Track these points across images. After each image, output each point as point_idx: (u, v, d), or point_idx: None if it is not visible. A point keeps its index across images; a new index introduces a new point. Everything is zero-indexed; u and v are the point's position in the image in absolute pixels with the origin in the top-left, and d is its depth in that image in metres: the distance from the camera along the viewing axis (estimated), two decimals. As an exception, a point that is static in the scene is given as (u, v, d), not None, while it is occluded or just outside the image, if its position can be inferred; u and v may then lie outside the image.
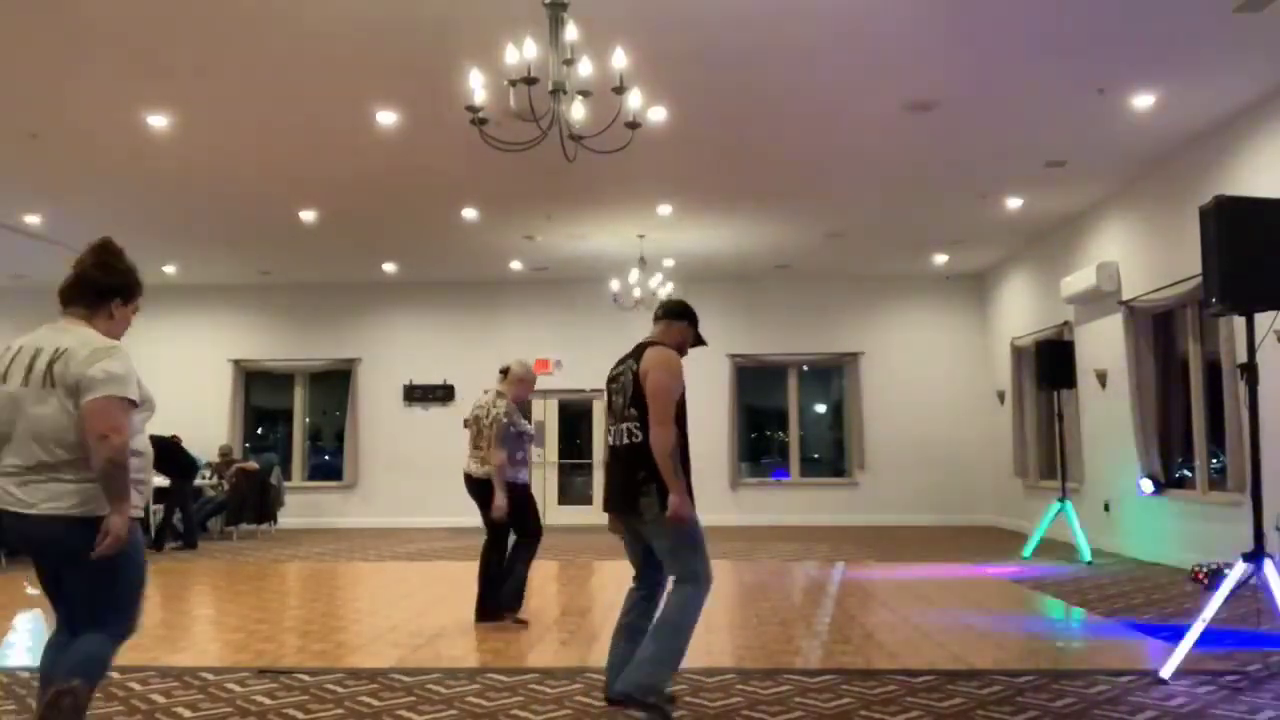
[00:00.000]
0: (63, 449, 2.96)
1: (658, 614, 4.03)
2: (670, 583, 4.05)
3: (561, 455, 14.78)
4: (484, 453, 6.14)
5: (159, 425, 13.60)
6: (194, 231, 11.56)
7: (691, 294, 13.91)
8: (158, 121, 7.78)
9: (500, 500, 6.00)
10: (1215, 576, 7.11)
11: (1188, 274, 8.05)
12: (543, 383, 14.51)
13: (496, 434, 6.06)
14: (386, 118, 7.75)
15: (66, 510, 2.96)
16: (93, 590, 3.06)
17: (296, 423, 15.24)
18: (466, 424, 6.59)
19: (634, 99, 5.14)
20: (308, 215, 10.63)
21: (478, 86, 4.96)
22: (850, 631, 5.84)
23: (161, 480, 11.28)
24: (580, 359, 14.43)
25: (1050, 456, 11.50)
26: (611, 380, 4.20)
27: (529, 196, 10.12)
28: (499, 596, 6.14)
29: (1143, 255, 9.46)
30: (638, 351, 4.13)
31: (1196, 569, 7.73)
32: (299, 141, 8.40)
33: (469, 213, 10.68)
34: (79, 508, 2.96)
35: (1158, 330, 9.56)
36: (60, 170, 9.14)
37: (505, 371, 6.42)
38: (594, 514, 14.48)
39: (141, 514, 3.12)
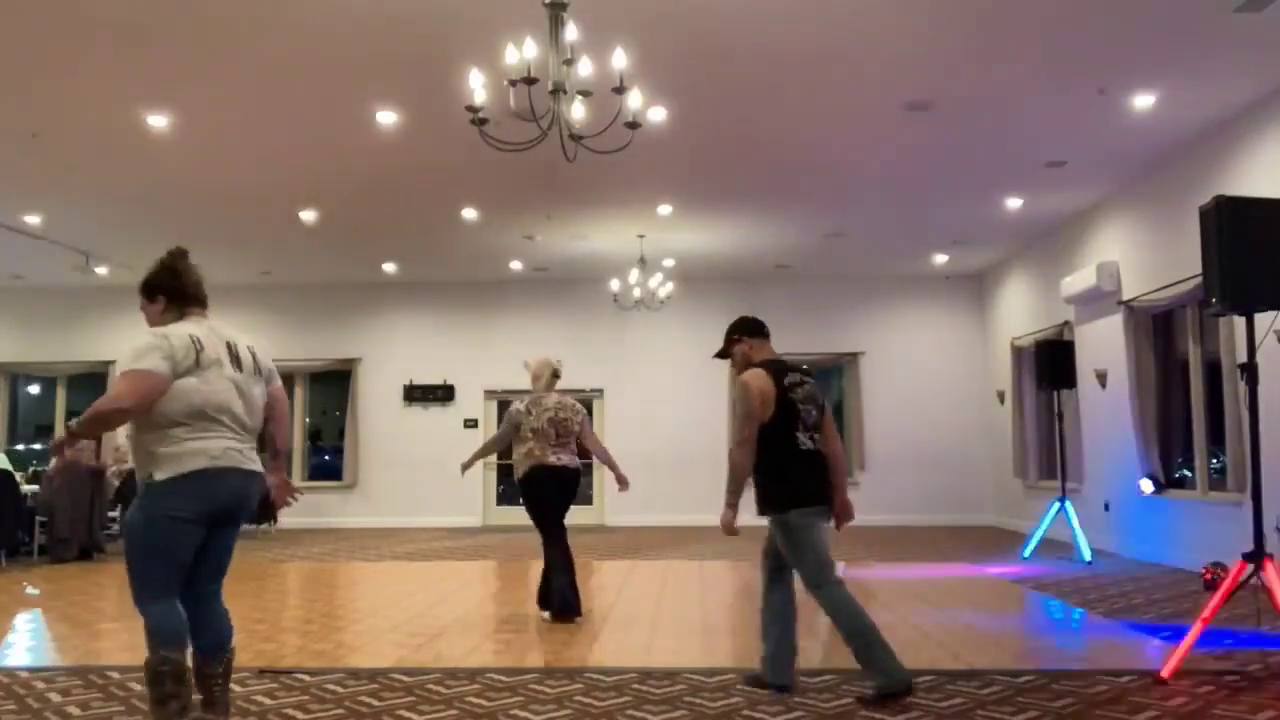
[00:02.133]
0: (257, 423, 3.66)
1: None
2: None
3: (561, 455, 14.74)
4: (569, 446, 6.44)
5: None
6: (194, 231, 11.54)
7: (691, 294, 14.15)
8: (158, 121, 7.78)
9: (621, 474, 6.59)
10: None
11: (1188, 274, 8.05)
12: (543, 383, 14.63)
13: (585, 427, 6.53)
14: (386, 118, 7.74)
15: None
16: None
17: (297, 423, 15.22)
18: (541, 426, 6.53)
19: (634, 99, 5.13)
20: (308, 215, 10.62)
21: (478, 86, 4.96)
22: (850, 631, 5.84)
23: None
24: (580, 359, 14.40)
25: (1050, 456, 11.50)
26: (798, 388, 4.45)
27: (529, 196, 10.12)
28: (551, 604, 6.34)
29: (1143, 255, 9.46)
30: (808, 371, 4.62)
31: (1211, 570, 7.54)
32: (299, 141, 8.40)
33: (469, 213, 10.68)
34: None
35: (1158, 330, 9.56)
36: (60, 170, 9.14)
37: (557, 375, 6.63)
38: (594, 514, 14.52)
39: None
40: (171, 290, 3.59)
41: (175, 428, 3.36)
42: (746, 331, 4.72)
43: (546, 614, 6.34)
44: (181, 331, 3.45)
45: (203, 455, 3.37)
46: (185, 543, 3.40)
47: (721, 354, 4.81)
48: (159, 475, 3.35)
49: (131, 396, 3.29)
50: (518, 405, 6.47)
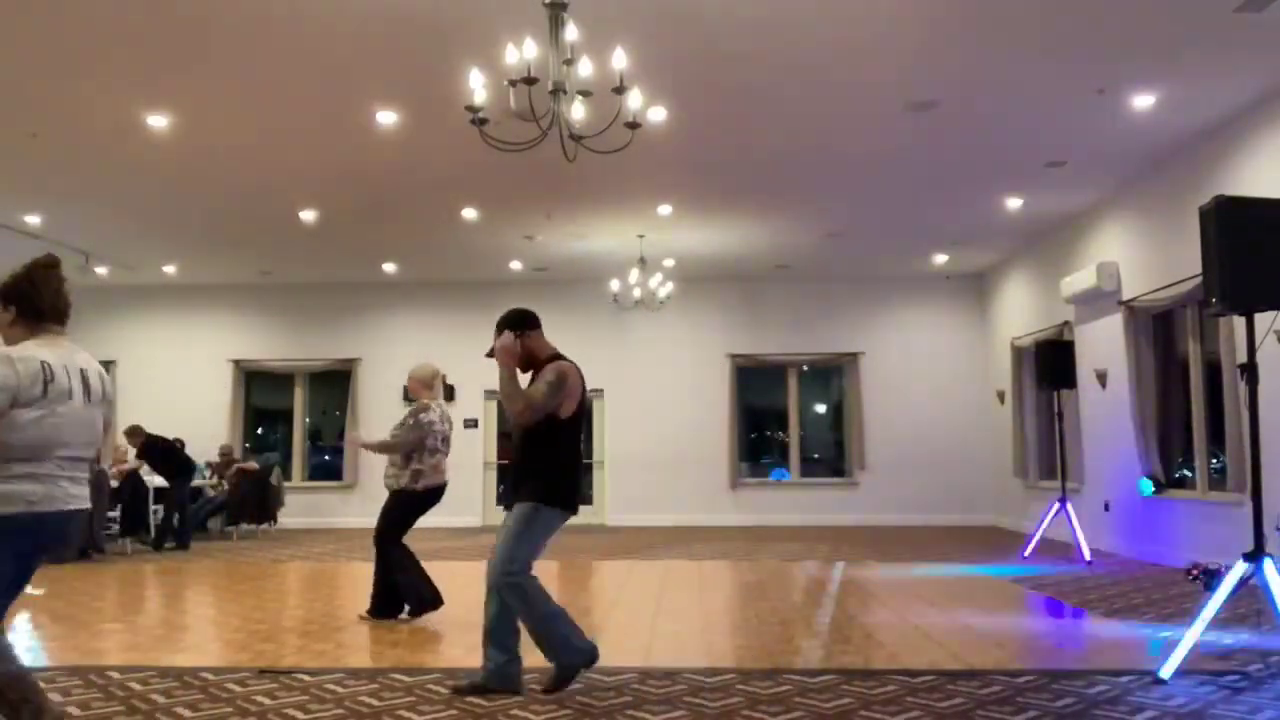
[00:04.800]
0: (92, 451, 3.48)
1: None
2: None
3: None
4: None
5: (159, 426, 13.44)
6: (194, 231, 11.56)
7: (691, 294, 14.16)
8: (158, 121, 7.78)
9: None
10: (1212, 577, 7.08)
11: (1188, 274, 8.05)
12: (543, 383, 14.62)
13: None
14: (386, 118, 7.75)
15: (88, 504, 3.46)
16: None
17: (296, 423, 15.23)
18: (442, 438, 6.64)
19: (634, 99, 5.14)
20: (308, 215, 10.62)
21: (478, 86, 4.97)
22: (850, 631, 5.84)
23: (161, 481, 11.49)
24: (580, 359, 14.27)
25: (1050, 456, 11.50)
26: (586, 394, 4.64)
27: (529, 196, 10.12)
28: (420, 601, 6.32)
29: (1143, 255, 9.46)
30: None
31: (1193, 569, 7.65)
32: (299, 141, 8.40)
33: (469, 213, 10.68)
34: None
35: (1158, 330, 9.56)
36: (60, 170, 9.14)
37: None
38: (593, 514, 14.52)
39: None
40: (25, 301, 3.35)
41: (2, 464, 3.15)
42: (527, 325, 4.67)
43: (405, 614, 6.29)
44: (33, 357, 3.23)
45: (20, 500, 3.15)
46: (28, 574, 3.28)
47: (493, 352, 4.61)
48: None
49: None
50: (432, 415, 6.42)
